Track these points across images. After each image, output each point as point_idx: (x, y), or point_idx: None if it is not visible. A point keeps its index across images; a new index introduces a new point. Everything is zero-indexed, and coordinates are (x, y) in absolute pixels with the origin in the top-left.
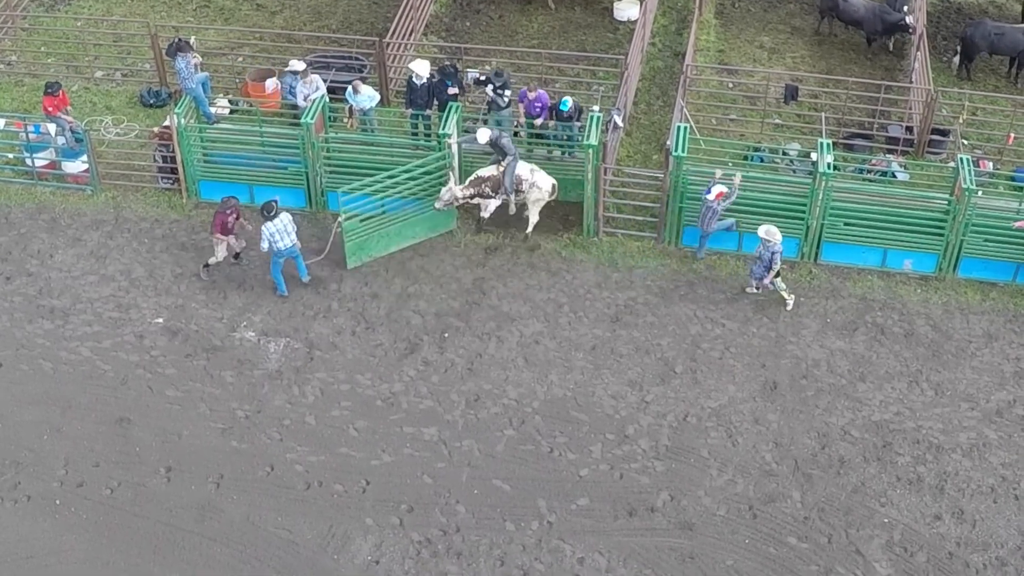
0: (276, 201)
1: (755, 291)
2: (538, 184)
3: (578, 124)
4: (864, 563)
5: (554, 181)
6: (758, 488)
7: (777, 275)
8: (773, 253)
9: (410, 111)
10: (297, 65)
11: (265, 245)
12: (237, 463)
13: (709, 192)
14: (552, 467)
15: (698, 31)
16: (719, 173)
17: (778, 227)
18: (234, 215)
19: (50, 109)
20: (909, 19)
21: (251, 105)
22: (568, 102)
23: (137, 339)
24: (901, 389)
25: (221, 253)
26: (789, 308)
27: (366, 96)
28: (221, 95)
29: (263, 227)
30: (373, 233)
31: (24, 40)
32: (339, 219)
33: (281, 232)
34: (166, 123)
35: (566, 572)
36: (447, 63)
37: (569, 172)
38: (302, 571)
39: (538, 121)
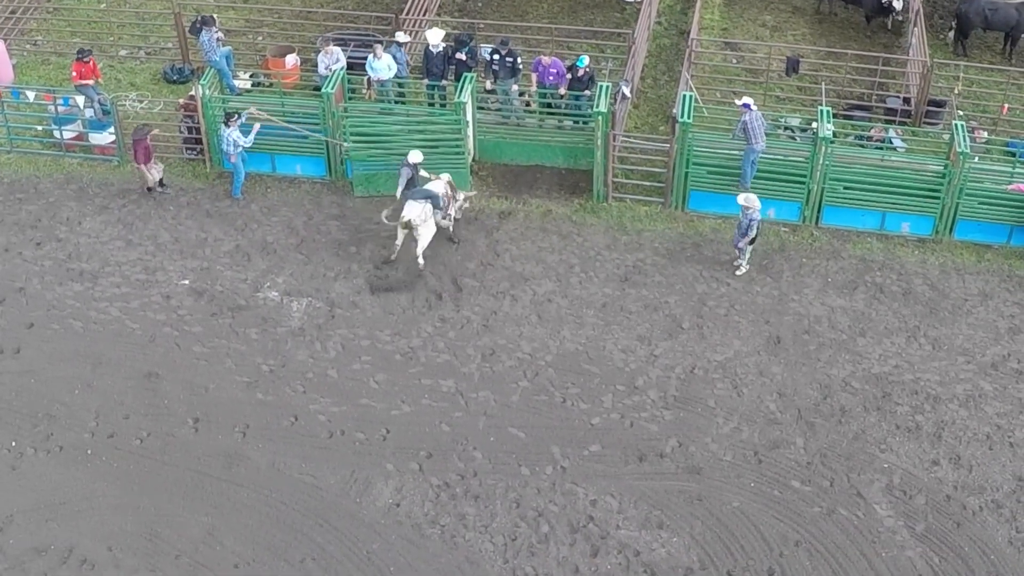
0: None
1: (745, 269)
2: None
3: (587, 94)
4: (865, 505)
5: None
6: (763, 435)
7: (752, 242)
8: (751, 220)
9: (426, 81)
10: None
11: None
12: (262, 414)
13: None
14: (565, 416)
15: (703, 10)
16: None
17: (781, 191)
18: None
19: (78, 76)
20: (896, 2)
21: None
22: (585, 59)
23: (164, 299)
24: (900, 344)
25: (155, 175)
26: (738, 274)
27: (385, 64)
28: (242, 71)
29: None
30: (382, 172)
31: (49, 22)
32: (345, 145)
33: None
34: (191, 94)
35: (579, 513)
36: (463, 33)
37: (580, 141)
38: (326, 514)
39: (561, 90)
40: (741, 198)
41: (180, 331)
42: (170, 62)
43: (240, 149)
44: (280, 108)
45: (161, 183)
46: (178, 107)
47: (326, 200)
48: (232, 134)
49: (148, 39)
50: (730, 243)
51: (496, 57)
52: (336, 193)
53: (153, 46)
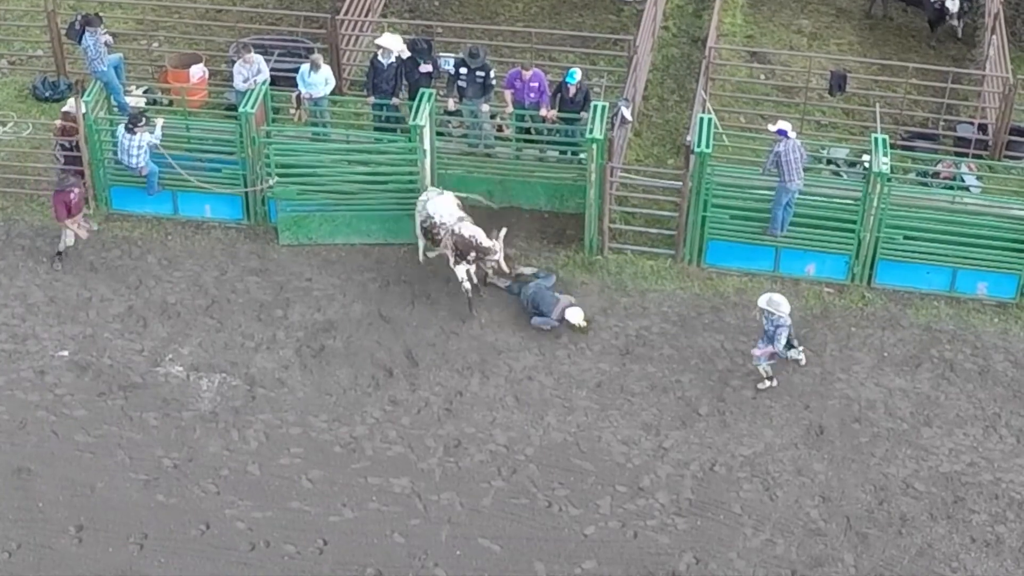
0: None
1: (770, 384)
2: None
3: (583, 116)
4: None
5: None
6: (802, 550)
7: (779, 350)
8: (777, 327)
9: (372, 99)
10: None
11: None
12: (164, 520)
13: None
14: (551, 524)
15: (722, 12)
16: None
17: (823, 241)
18: (77, 194)
19: None
20: (949, 3)
21: (170, 98)
22: (576, 74)
23: (37, 375)
24: (975, 436)
25: (70, 238)
26: (761, 388)
27: (323, 78)
28: (134, 85)
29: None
30: (315, 214)
31: None
32: (270, 180)
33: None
34: (66, 108)
35: None
36: (419, 38)
37: (567, 176)
38: None
39: (544, 111)
40: (763, 300)
41: (58, 415)
42: (41, 74)
43: (151, 153)
44: (184, 133)
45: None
46: (55, 131)
47: (243, 250)
48: (142, 139)
49: (12, 45)
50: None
51: (464, 71)
52: (256, 241)
53: (19, 54)
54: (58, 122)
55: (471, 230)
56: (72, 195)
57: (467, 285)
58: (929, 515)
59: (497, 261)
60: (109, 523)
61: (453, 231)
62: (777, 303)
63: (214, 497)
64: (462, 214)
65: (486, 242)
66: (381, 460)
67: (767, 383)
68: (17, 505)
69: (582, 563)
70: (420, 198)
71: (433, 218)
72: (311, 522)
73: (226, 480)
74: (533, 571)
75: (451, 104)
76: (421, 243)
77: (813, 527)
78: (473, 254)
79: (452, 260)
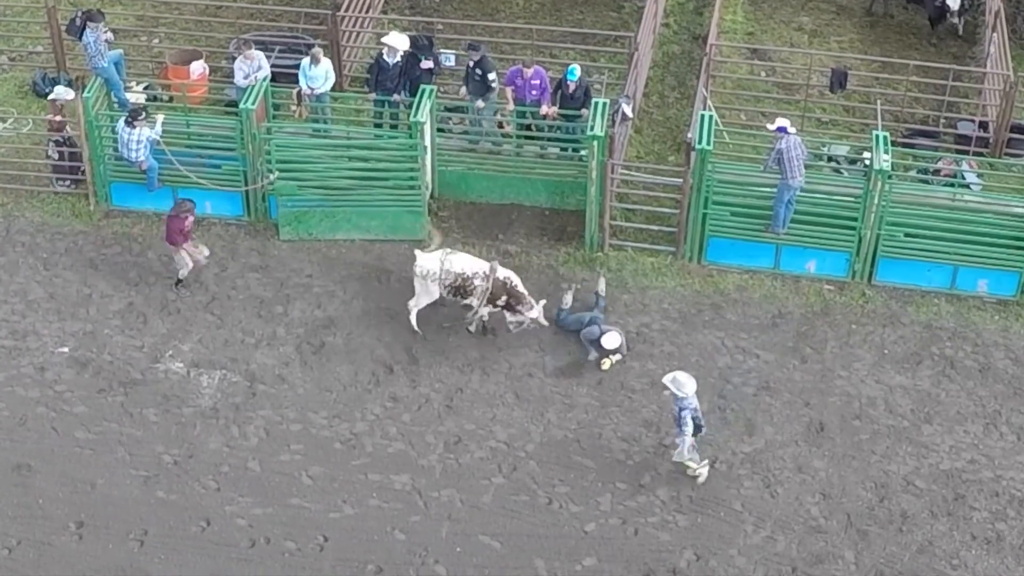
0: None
1: (700, 472)
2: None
3: (584, 113)
4: None
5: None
6: (803, 547)
7: (684, 440)
8: (681, 410)
9: (374, 95)
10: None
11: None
12: (164, 517)
13: None
14: (551, 521)
15: (723, 9)
16: None
17: (823, 239)
18: (192, 220)
19: None
20: (950, 1)
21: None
22: (576, 70)
23: (37, 371)
24: (976, 433)
25: (187, 262)
26: (700, 481)
27: (323, 71)
28: (135, 82)
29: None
30: (316, 210)
31: None
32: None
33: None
34: (53, 97)
35: None
36: (420, 35)
37: (568, 173)
38: None
39: (545, 109)
40: (668, 378)
41: (58, 411)
42: (41, 70)
43: (151, 149)
44: (184, 129)
45: (179, 282)
46: (50, 122)
47: (243, 246)
48: (141, 134)
49: (12, 41)
50: (758, 304)
51: (471, 66)
52: (256, 237)
53: (19, 50)
54: (49, 116)
55: (505, 272)
56: (188, 221)
57: (483, 314)
58: (929, 512)
59: (529, 319)
60: (109, 519)
61: (487, 275)
62: (681, 383)
63: (214, 493)
64: (484, 262)
65: (521, 287)
66: (381, 456)
67: (701, 472)
68: (17, 501)
69: (582, 560)
70: (428, 266)
71: (463, 273)
72: (311, 518)
73: (226, 476)
74: (533, 568)
75: (462, 92)
76: (483, 309)
77: (814, 524)
78: (504, 298)
79: (480, 304)
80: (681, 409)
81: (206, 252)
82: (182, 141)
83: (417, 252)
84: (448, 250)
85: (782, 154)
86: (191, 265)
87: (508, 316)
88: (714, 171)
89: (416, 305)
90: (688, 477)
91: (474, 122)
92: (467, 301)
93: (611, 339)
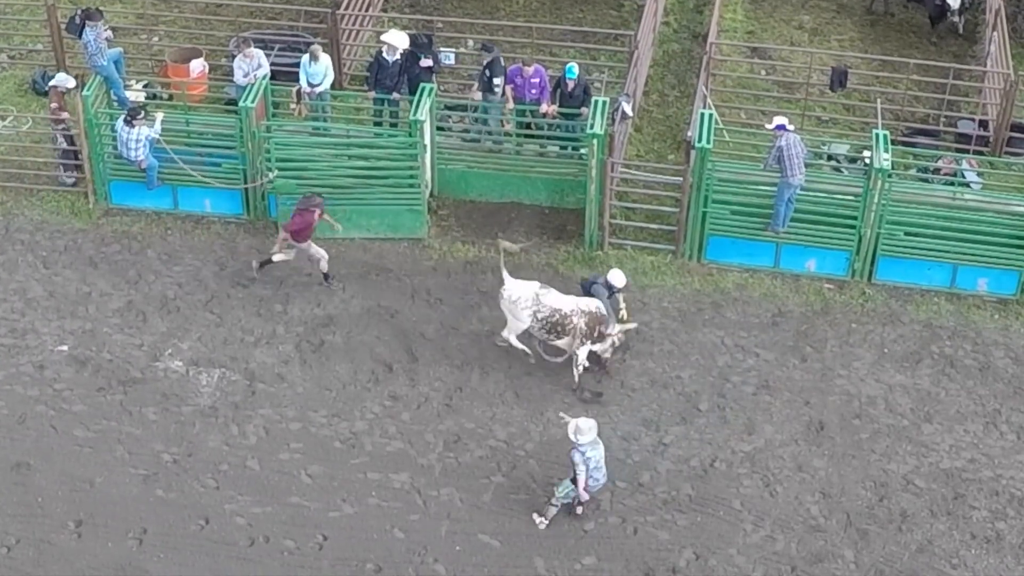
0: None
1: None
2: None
3: (584, 111)
4: None
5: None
6: (802, 546)
7: (581, 489)
8: (575, 464)
9: (373, 93)
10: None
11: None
12: (164, 515)
13: None
14: (551, 520)
15: (723, 8)
16: None
17: (822, 239)
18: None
19: None
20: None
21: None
22: (575, 69)
23: (36, 370)
24: (976, 432)
25: (323, 253)
26: (538, 523)
27: (323, 68)
28: (134, 80)
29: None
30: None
31: None
32: (271, 175)
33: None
34: (53, 83)
35: None
36: (419, 33)
37: (567, 172)
38: None
39: (544, 107)
40: (571, 427)
41: (57, 410)
42: (41, 68)
43: (151, 147)
44: (184, 128)
45: (326, 277)
46: (52, 112)
47: (243, 245)
48: (140, 132)
49: (11, 39)
50: (758, 302)
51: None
52: (256, 236)
53: (18, 48)
54: (53, 105)
55: (595, 303)
56: (316, 215)
57: (583, 367)
58: (929, 511)
59: (615, 337)
60: (108, 518)
61: (582, 311)
62: (586, 429)
63: (213, 492)
64: (573, 297)
65: (603, 310)
66: (381, 455)
67: (543, 519)
68: (16, 500)
69: (582, 559)
70: (519, 293)
71: (561, 310)
72: (311, 517)
73: (225, 475)
74: (533, 567)
75: (475, 95)
76: (582, 350)
77: (813, 523)
78: (598, 330)
79: (578, 344)
80: (575, 463)
81: (324, 255)
82: (182, 139)
83: (506, 276)
84: (541, 284)
85: (782, 152)
86: (326, 255)
87: (599, 347)
88: (714, 170)
89: (511, 331)
90: (687, 477)
91: (480, 120)
92: (558, 342)
93: (617, 275)
